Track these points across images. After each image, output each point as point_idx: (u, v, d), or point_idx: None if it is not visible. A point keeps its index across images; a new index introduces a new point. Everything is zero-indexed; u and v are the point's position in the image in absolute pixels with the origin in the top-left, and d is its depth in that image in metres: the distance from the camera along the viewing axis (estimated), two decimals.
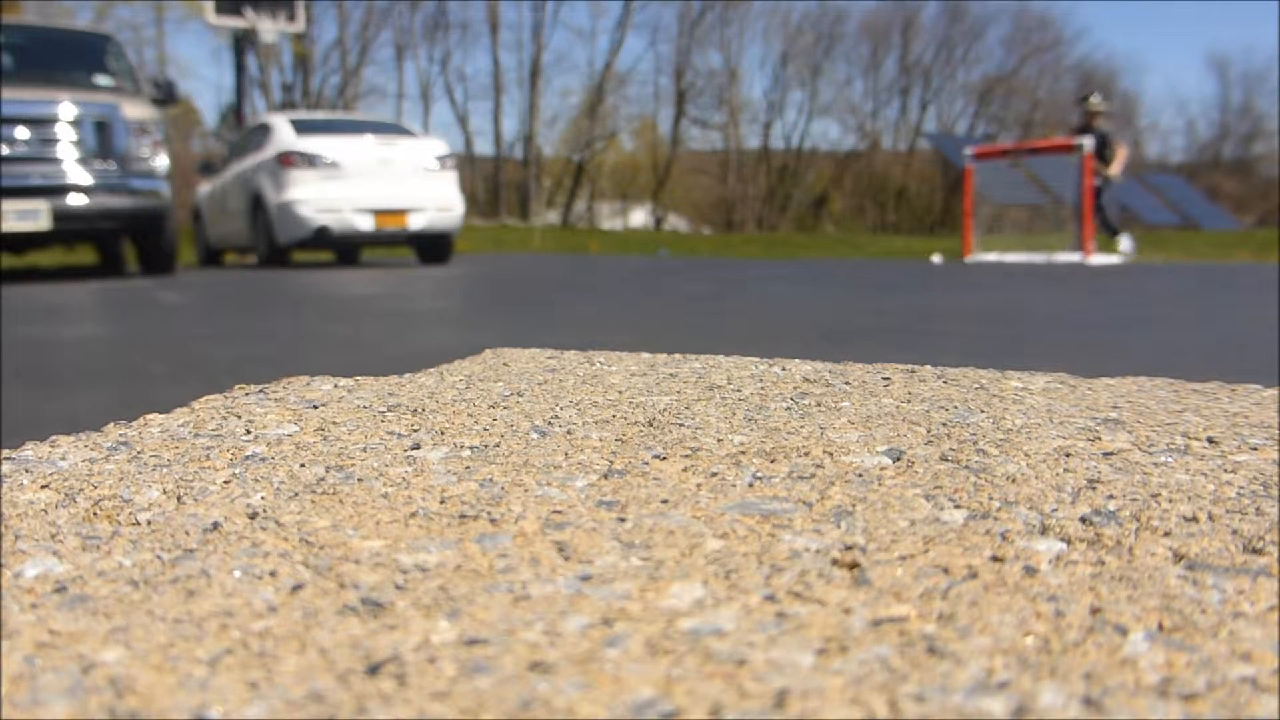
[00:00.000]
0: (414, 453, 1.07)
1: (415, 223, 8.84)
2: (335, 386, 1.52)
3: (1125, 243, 10.00)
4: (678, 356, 1.87)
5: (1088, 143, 9.46)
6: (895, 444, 1.09)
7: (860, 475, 0.95)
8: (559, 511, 0.85)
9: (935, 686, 0.52)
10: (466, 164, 30.82)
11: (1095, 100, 10.02)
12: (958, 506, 0.84)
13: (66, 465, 1.03)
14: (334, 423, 1.24)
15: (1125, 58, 55.23)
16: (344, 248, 10.60)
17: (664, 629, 0.60)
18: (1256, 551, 0.72)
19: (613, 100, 35.52)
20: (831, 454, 1.04)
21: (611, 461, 1.02)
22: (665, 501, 0.87)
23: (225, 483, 0.95)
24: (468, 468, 1.00)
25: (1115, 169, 9.81)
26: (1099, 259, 9.07)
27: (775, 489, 0.91)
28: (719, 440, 1.12)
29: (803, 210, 36.26)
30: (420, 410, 1.32)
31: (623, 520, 0.82)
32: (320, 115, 11.10)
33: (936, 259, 10.88)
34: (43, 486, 0.94)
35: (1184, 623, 0.60)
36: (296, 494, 0.91)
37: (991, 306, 3.78)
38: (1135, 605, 0.63)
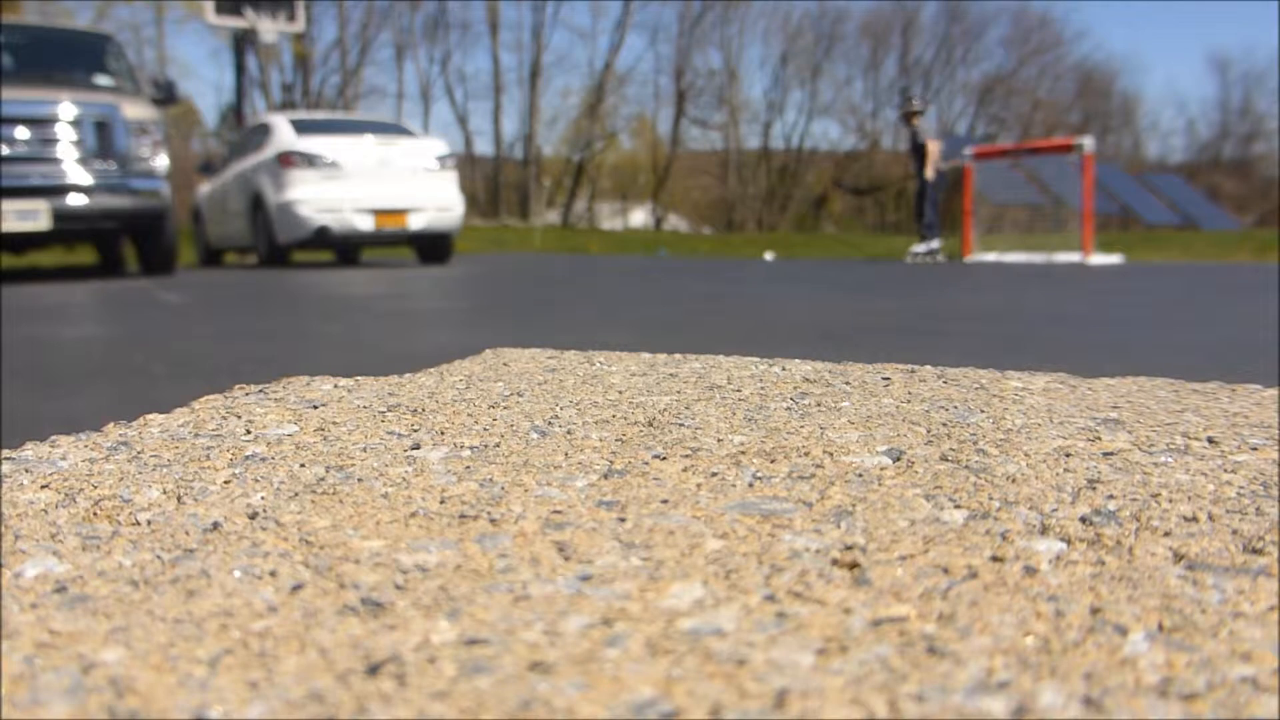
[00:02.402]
0: (414, 453, 1.07)
1: (415, 223, 8.83)
2: (335, 386, 1.52)
3: (922, 247, 10.02)
4: (678, 356, 1.87)
5: (1088, 142, 9.46)
6: (895, 444, 1.09)
7: (860, 475, 0.95)
8: (559, 511, 0.85)
9: (935, 686, 0.52)
10: (466, 164, 30.80)
11: (914, 100, 10.07)
12: (958, 506, 0.84)
13: (66, 465, 1.03)
14: (334, 423, 1.24)
15: (1125, 58, 55.13)
16: (344, 248, 10.59)
17: (664, 629, 0.60)
18: (1256, 551, 0.72)
19: (613, 100, 35.52)
20: (831, 454, 1.04)
21: (611, 461, 1.02)
22: (665, 501, 0.87)
23: (225, 483, 0.95)
24: (468, 468, 1.00)
25: (929, 170, 9.82)
26: (1099, 259, 9.07)
27: (775, 489, 0.91)
28: (719, 440, 1.12)
29: (803, 210, 36.26)
30: (420, 410, 1.32)
31: (623, 520, 0.82)
32: (320, 115, 11.09)
33: (768, 256, 12.02)
34: (43, 486, 0.94)
35: (1184, 623, 0.60)
36: (296, 494, 0.91)
37: (991, 306, 3.78)
38: (1135, 605, 0.63)
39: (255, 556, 0.74)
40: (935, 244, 9.94)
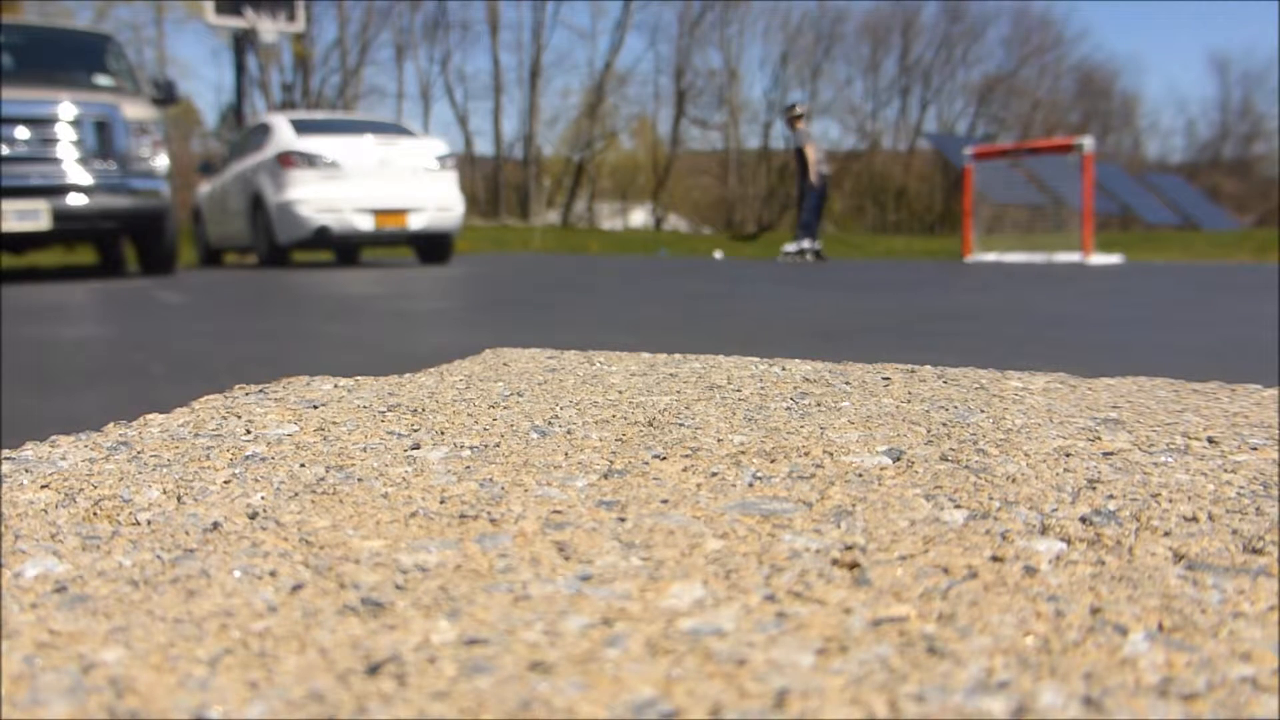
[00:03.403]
0: (414, 453, 1.07)
1: (415, 223, 8.83)
2: (335, 386, 1.52)
3: (792, 246, 10.26)
4: (678, 356, 1.87)
5: (1088, 142, 9.46)
6: (895, 444, 1.09)
7: (860, 475, 0.95)
8: (559, 511, 0.85)
9: (935, 686, 0.52)
10: (466, 164, 30.78)
11: (800, 105, 10.37)
12: (958, 506, 0.84)
13: (66, 465, 1.03)
14: (334, 423, 1.24)
15: (1125, 58, 55.12)
16: (344, 248, 10.60)
17: (664, 629, 0.60)
18: (1256, 551, 0.72)
19: (613, 100, 35.50)
20: (831, 454, 1.04)
21: (611, 461, 1.02)
22: (665, 501, 0.87)
23: (225, 483, 0.95)
24: (468, 468, 1.00)
25: (811, 172, 10.07)
26: (1099, 259, 9.07)
27: (775, 489, 0.91)
28: (719, 440, 1.12)
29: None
30: (420, 410, 1.32)
31: (623, 520, 0.82)
32: (320, 115, 11.08)
33: (718, 255, 13.15)
34: (43, 486, 0.94)
35: (1184, 623, 0.60)
36: (296, 494, 0.91)
37: (991, 306, 3.78)
38: (1135, 605, 0.63)
39: (255, 556, 0.74)
40: (806, 244, 10.26)
